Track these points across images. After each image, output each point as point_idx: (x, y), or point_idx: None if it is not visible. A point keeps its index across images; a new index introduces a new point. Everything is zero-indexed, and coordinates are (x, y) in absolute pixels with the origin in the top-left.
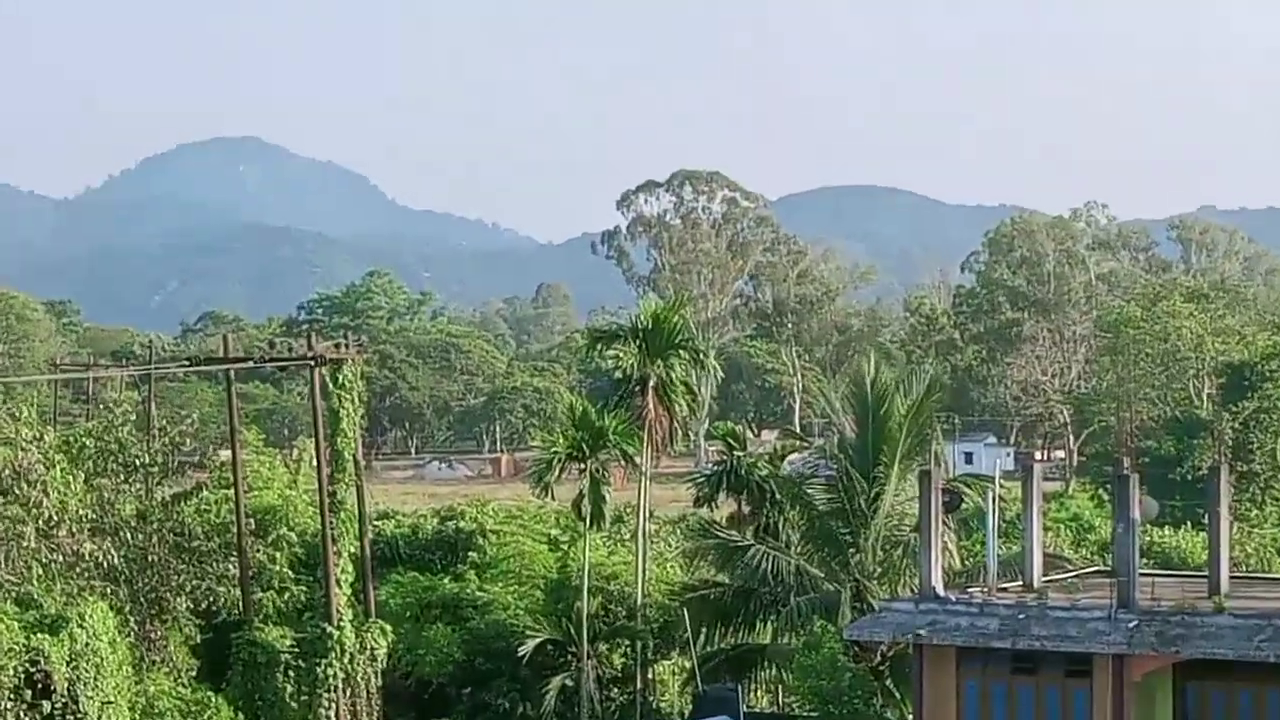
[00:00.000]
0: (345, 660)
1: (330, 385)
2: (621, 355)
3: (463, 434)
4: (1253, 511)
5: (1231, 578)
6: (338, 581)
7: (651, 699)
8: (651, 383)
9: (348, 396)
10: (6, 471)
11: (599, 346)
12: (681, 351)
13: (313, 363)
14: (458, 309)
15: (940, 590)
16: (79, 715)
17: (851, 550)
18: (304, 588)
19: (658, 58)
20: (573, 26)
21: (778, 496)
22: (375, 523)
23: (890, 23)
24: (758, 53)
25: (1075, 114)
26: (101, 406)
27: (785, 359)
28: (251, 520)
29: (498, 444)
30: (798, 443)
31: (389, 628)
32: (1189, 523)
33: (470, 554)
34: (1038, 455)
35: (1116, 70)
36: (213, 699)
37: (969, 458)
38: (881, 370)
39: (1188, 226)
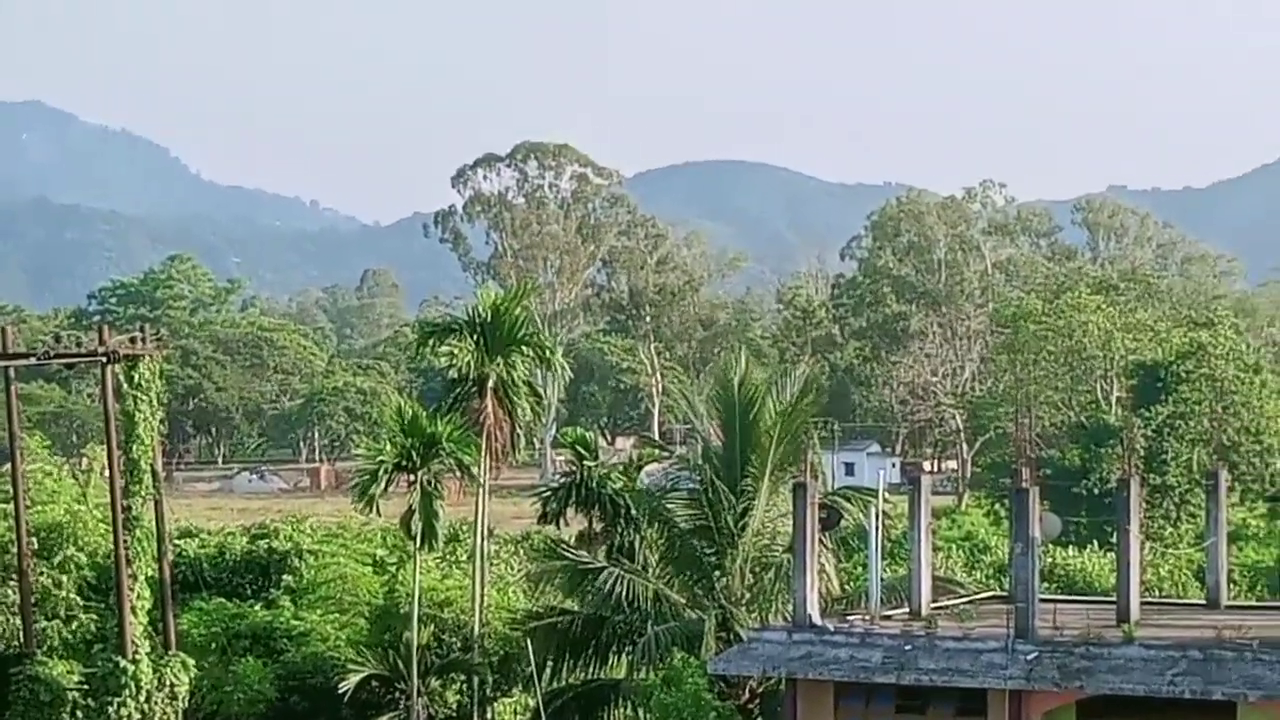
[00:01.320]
0: (141, 699)
1: (125, 385)
2: (457, 352)
3: (277, 441)
4: (1166, 530)
5: (1142, 604)
6: (133, 609)
7: None
8: (491, 383)
9: (145, 398)
10: None
11: (431, 342)
12: (525, 348)
13: (105, 359)
14: (271, 299)
15: (816, 618)
16: None
17: (717, 573)
18: (94, 616)
19: (498, 14)
20: None
21: (633, 512)
22: (176, 542)
23: None
24: (607, 10)
25: (966, 81)
26: None
27: (643, 356)
28: (34, 539)
29: (316, 453)
30: (656, 451)
31: (191, 661)
32: (1095, 542)
33: (285, 578)
34: (926, 466)
35: (1012, 31)
36: None
37: (850, 469)
38: (751, 370)
39: (1095, 209)
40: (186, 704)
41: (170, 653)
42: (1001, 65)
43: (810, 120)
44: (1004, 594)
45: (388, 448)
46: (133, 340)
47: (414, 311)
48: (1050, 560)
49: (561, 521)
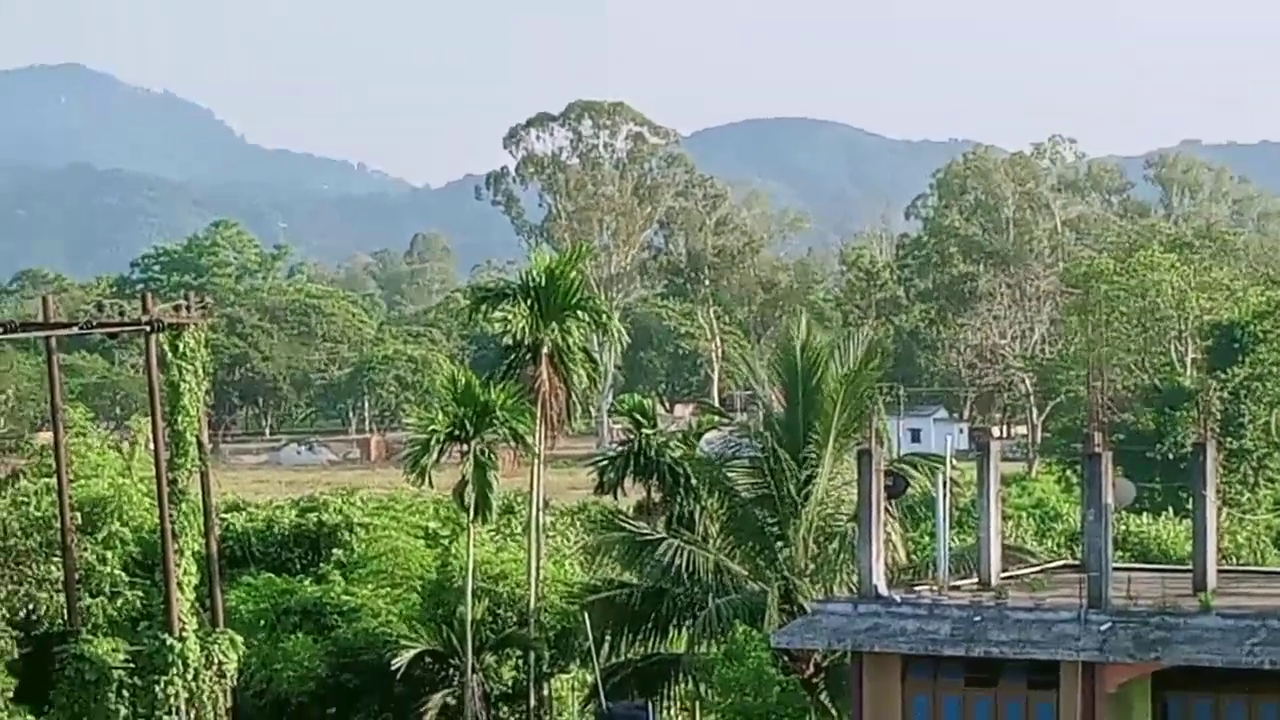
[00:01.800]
0: (189, 677)
1: (169, 355)
2: (510, 318)
3: (325, 411)
4: (1244, 495)
5: (1219, 572)
6: (179, 585)
7: (547, 718)
8: (545, 350)
9: (190, 368)
10: None
11: (484, 308)
12: (580, 313)
13: (148, 328)
14: (319, 265)
15: (883, 589)
16: None
17: (779, 544)
18: (140, 593)
19: None
20: None
21: (693, 482)
22: (223, 516)
23: None
24: None
25: (1033, 33)
26: None
27: (702, 321)
28: (78, 514)
29: (366, 423)
30: (716, 419)
31: (240, 639)
32: (1170, 508)
33: (335, 552)
34: (995, 431)
35: None
36: None
37: (916, 435)
38: (814, 333)
39: (1168, 164)
40: (235, 682)
41: (218, 630)
42: (1071, 17)
43: (873, 74)
44: (1076, 563)
45: (440, 417)
46: (177, 309)
47: (466, 277)
48: (1123, 528)
49: (619, 492)
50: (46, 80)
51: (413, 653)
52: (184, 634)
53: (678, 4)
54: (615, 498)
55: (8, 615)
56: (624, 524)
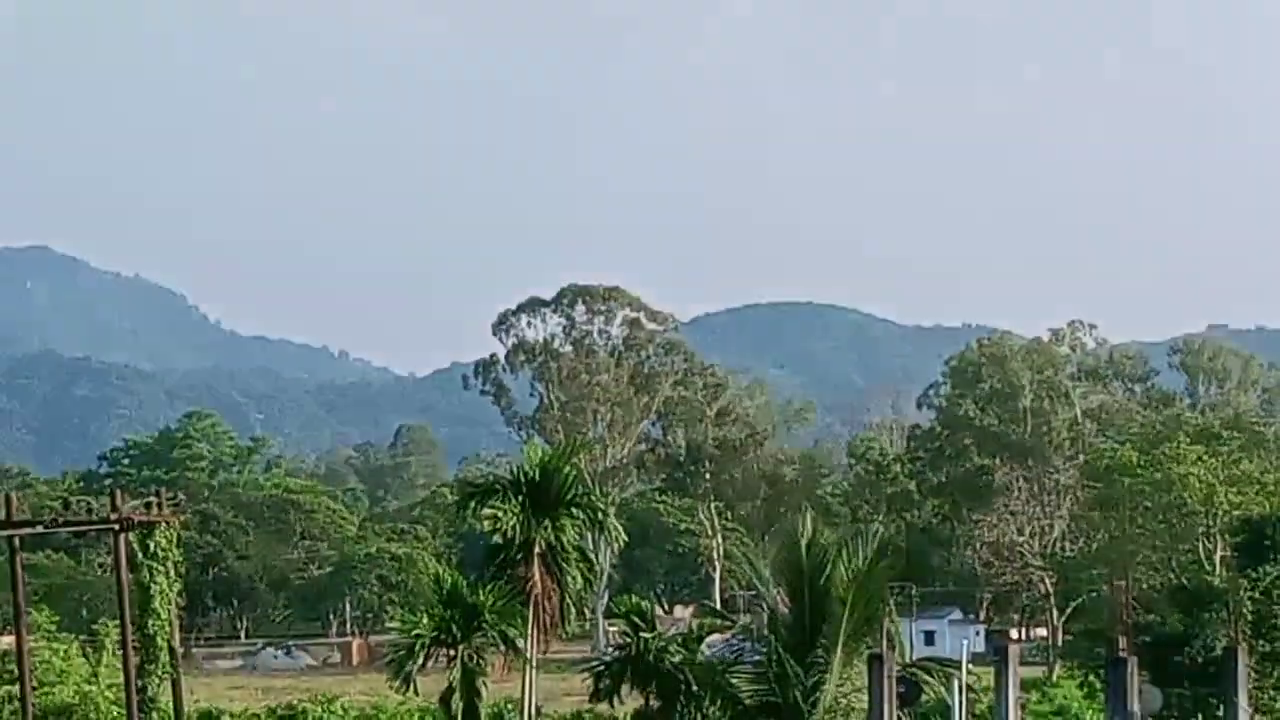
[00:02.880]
0: None
1: (139, 554)
2: (501, 515)
3: (305, 613)
4: (1278, 701)
5: None
6: None
7: None
8: (538, 548)
9: (161, 568)
10: None
11: (473, 504)
12: (575, 510)
13: (117, 527)
14: (297, 458)
15: None
16: None
17: None
18: None
19: (539, 146)
20: (427, 115)
21: (694, 688)
22: None
23: (821, 101)
24: (660, 140)
25: (1051, 215)
26: None
27: (702, 517)
28: None
29: (348, 625)
30: (718, 621)
31: None
32: (1200, 717)
33: None
34: (1014, 634)
35: (1097, 162)
36: None
37: (930, 637)
38: (821, 530)
39: (1194, 350)
40: None
41: None
42: (1089, 198)
43: (881, 257)
44: None
45: (425, 620)
46: (148, 506)
47: (454, 470)
48: None
49: (616, 698)
50: (12, 263)
51: None
52: None
53: (674, 185)
54: (612, 705)
55: None
56: None
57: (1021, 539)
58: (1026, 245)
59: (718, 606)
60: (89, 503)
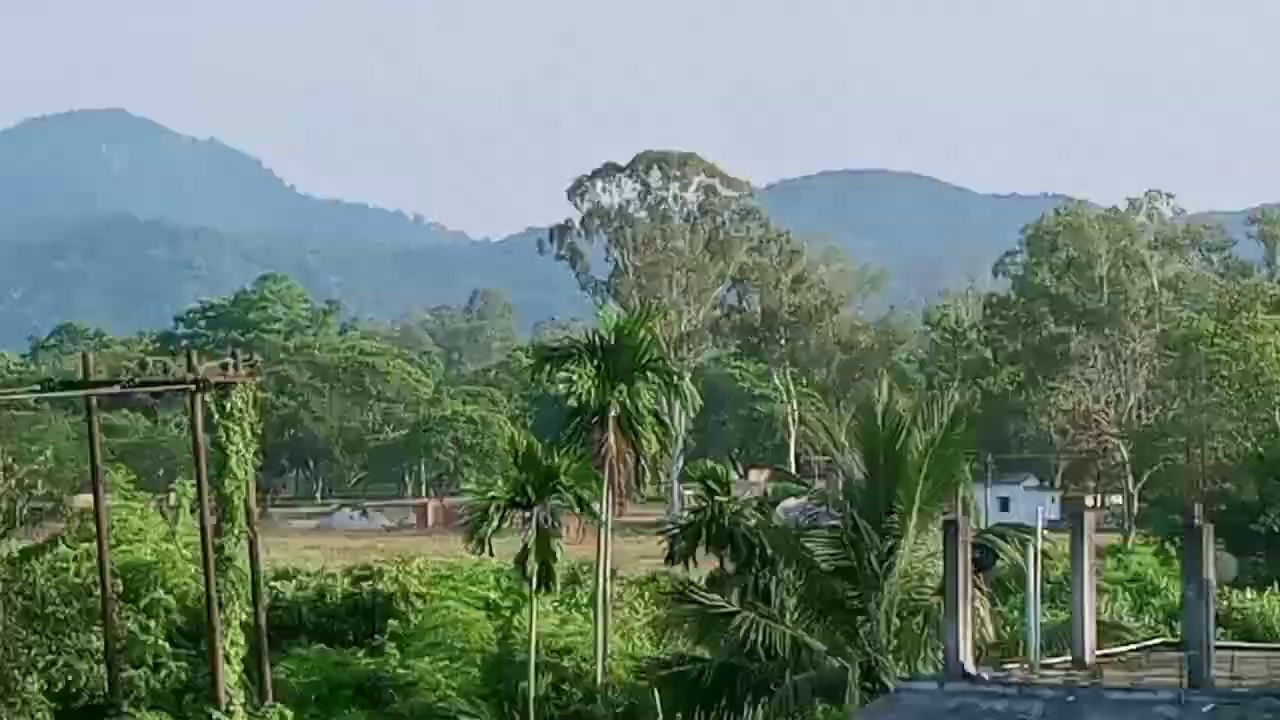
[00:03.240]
0: None
1: (216, 415)
2: (576, 379)
3: (380, 475)
4: None
5: None
6: (226, 657)
7: None
8: (613, 412)
9: (237, 429)
10: None
11: (548, 368)
12: (649, 374)
13: (194, 387)
14: (373, 321)
15: (970, 667)
16: None
17: (860, 618)
18: (184, 664)
19: (619, 11)
20: None
21: (769, 552)
22: (272, 584)
23: None
24: (740, 8)
25: (1129, 83)
26: None
27: (777, 383)
28: (119, 581)
29: (423, 487)
30: (793, 486)
31: (290, 713)
32: (1276, 584)
33: (390, 622)
34: (1089, 501)
35: (1180, 30)
36: None
37: (1005, 504)
38: (896, 397)
39: (1272, 220)
40: None
41: (267, 704)
42: (1167, 65)
43: (959, 125)
44: (1175, 640)
45: (500, 482)
46: (224, 366)
47: (528, 334)
48: (1226, 604)
49: (691, 562)
50: (88, 126)
51: None
52: (231, 708)
53: (750, 51)
54: (686, 568)
55: (46, 686)
56: (696, 596)
57: (1097, 407)
58: (1105, 113)
59: (792, 471)
60: (165, 363)
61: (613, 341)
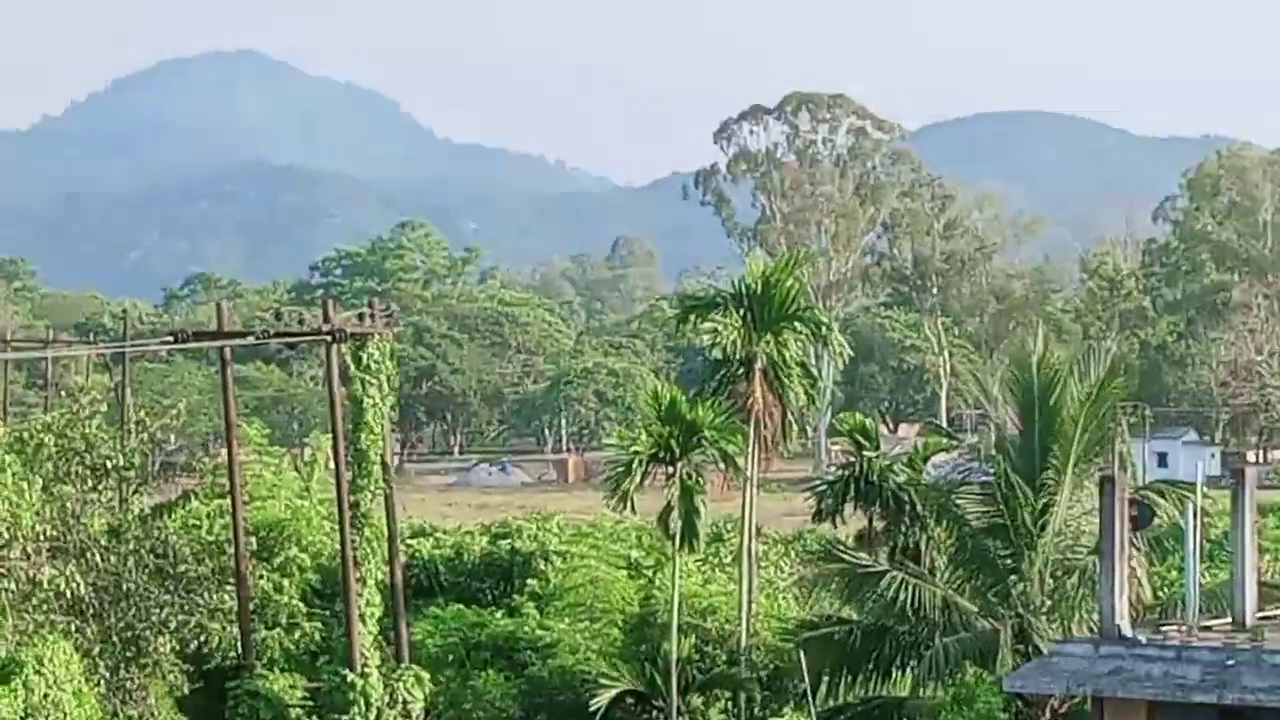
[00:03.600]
0: (371, 716)
1: (352, 367)
2: (721, 329)
3: (519, 429)
4: None
5: None
6: (361, 617)
7: None
8: (759, 364)
9: (374, 381)
10: None
11: (692, 318)
12: (797, 324)
13: (329, 339)
14: (512, 269)
15: (1126, 629)
16: None
17: (1013, 578)
18: (319, 625)
19: None
20: None
21: (919, 509)
22: (409, 542)
23: None
24: None
25: None
26: (63, 394)
27: (929, 333)
28: (253, 539)
29: (563, 442)
30: (944, 440)
31: (426, 675)
32: None
33: (529, 582)
34: (1251, 456)
35: None
36: None
37: (1163, 459)
38: (1051, 348)
39: None
40: None
41: (403, 665)
42: None
43: (1118, 64)
44: None
45: (643, 436)
46: (360, 317)
47: (672, 283)
48: None
49: (838, 519)
50: (222, 69)
51: (613, 692)
52: (366, 670)
53: None
54: (834, 526)
55: (178, 647)
56: (843, 555)
57: (1260, 358)
58: (1269, 52)
59: (944, 425)
60: (301, 313)
61: (759, 290)
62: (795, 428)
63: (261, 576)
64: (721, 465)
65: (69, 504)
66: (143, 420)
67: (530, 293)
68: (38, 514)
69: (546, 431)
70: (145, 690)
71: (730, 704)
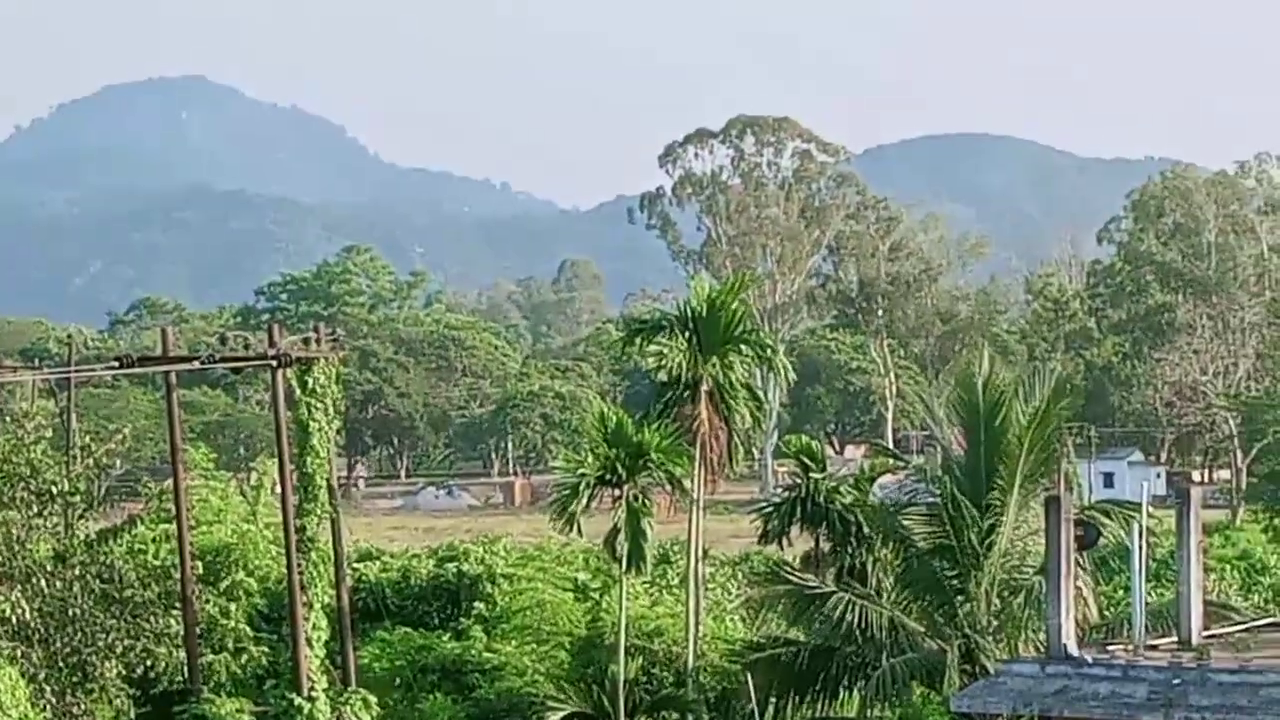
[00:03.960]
0: None
1: (298, 391)
2: (667, 352)
3: (466, 452)
4: None
5: None
6: (308, 640)
7: None
8: (705, 387)
9: (320, 405)
10: None
11: (638, 341)
12: (743, 347)
13: (275, 363)
14: (458, 293)
15: (1073, 649)
16: None
17: (960, 598)
18: (265, 648)
19: None
20: None
21: (865, 530)
22: (355, 565)
23: None
24: None
25: (1236, 46)
26: (8, 420)
27: (874, 355)
28: (199, 563)
29: (510, 465)
30: (891, 462)
31: (373, 699)
32: None
33: (476, 605)
34: (1196, 476)
35: None
36: None
37: (1109, 479)
38: (997, 369)
39: None
40: None
41: (350, 689)
42: (1275, 25)
43: (1060, 87)
44: None
45: (589, 459)
46: (306, 341)
47: (618, 306)
48: None
49: (785, 541)
50: (167, 94)
51: (561, 715)
52: (313, 693)
53: (844, 14)
54: (780, 547)
55: (124, 672)
56: (790, 576)
57: (1205, 378)
58: (1211, 74)
59: (890, 446)
60: (246, 338)
61: (704, 313)
62: (741, 450)
63: (208, 601)
64: (668, 487)
65: (13, 529)
66: (88, 445)
67: (476, 316)
68: None
69: (493, 455)
70: (92, 715)
71: None
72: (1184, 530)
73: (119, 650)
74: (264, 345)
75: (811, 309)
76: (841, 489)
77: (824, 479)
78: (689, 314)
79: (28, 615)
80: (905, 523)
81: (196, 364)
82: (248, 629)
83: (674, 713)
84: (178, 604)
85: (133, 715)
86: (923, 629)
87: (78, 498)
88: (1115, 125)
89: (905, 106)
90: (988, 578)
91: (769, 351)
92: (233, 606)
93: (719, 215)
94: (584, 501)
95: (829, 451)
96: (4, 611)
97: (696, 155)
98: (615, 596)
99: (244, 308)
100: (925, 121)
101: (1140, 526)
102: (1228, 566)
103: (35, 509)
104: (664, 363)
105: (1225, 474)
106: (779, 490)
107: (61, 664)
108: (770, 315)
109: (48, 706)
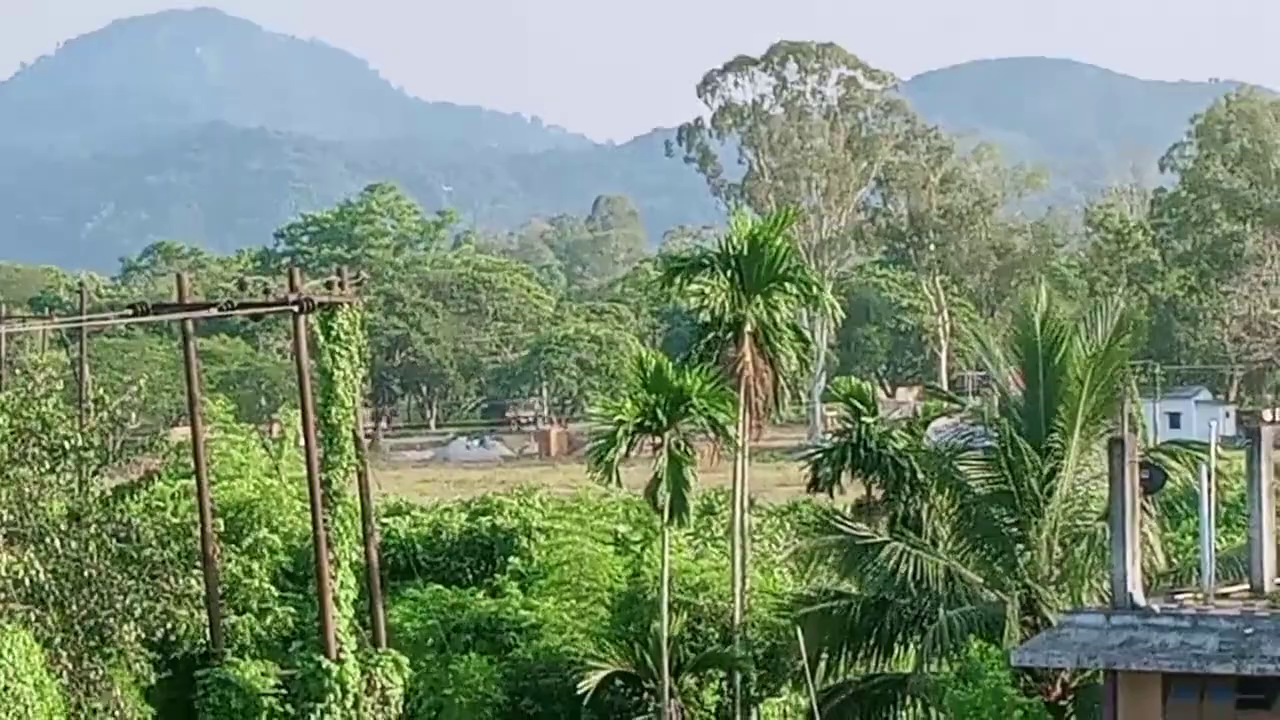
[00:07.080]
0: (348, 704)
1: (320, 338)
2: (708, 291)
3: (498, 400)
4: None
5: None
6: (336, 600)
7: None
8: (749, 328)
9: (344, 352)
10: None
11: (678, 280)
12: (788, 285)
13: (296, 309)
14: (488, 233)
15: (1139, 598)
16: None
17: (1019, 547)
18: (291, 609)
19: None
20: None
21: (920, 477)
22: (384, 521)
23: None
24: None
25: None
26: (17, 372)
27: (926, 292)
28: (220, 520)
29: (545, 412)
30: (945, 404)
31: (404, 660)
32: None
33: (511, 560)
34: (1267, 415)
35: None
36: None
37: (1175, 420)
38: (1056, 305)
39: None
40: (400, 709)
41: (380, 650)
42: None
43: (1122, 6)
44: None
45: (628, 405)
46: (329, 285)
47: (656, 244)
48: None
49: (835, 489)
50: (181, 29)
51: (602, 674)
52: (342, 655)
53: None
54: (830, 496)
55: (143, 635)
56: (841, 526)
57: (1275, 311)
58: None
59: (944, 388)
60: (266, 283)
61: (747, 250)
62: (788, 394)
63: (230, 559)
64: (711, 434)
65: (25, 487)
66: (102, 398)
67: (507, 257)
68: None
69: (527, 402)
70: (110, 681)
71: (725, 684)
72: (1255, 472)
73: (137, 612)
74: (285, 290)
75: (859, 244)
76: (894, 434)
77: (875, 423)
78: (731, 251)
79: (41, 577)
80: (961, 468)
81: (214, 311)
82: (272, 589)
83: (720, 670)
84: (198, 563)
85: (152, 680)
86: (981, 579)
87: (91, 453)
88: (1178, 47)
89: (956, 29)
90: (1049, 525)
91: (815, 290)
92: (256, 565)
93: (761, 147)
94: (623, 450)
95: (880, 394)
96: (17, 573)
97: (737, 84)
98: (657, 549)
99: (263, 251)
100: (977, 46)
101: (1209, 469)
102: None
103: (47, 465)
104: (705, 303)
105: None
106: (828, 436)
107: (78, 627)
108: (816, 251)
109: (64, 672)
